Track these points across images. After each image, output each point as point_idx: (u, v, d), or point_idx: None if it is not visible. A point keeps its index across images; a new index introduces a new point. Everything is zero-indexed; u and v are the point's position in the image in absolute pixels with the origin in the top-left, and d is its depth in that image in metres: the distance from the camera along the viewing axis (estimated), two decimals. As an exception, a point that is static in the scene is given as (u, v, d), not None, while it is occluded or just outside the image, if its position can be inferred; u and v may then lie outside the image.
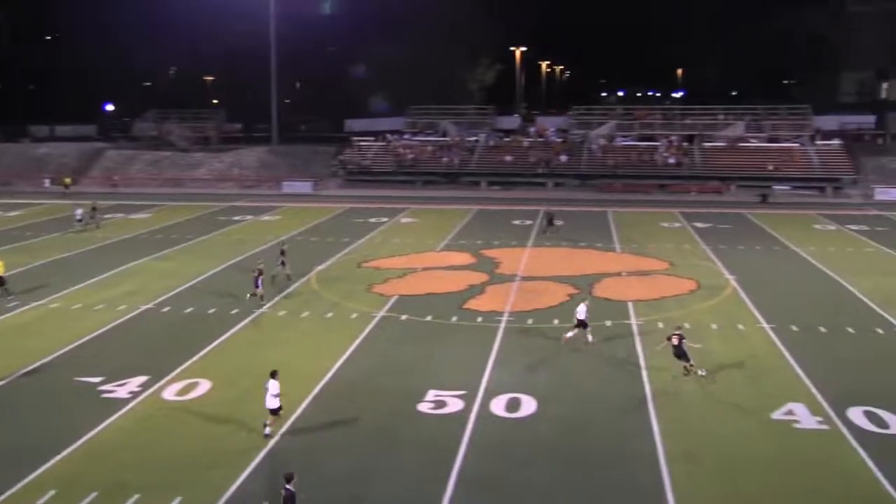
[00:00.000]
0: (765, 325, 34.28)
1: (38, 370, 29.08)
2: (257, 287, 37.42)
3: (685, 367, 28.10)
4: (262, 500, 19.60)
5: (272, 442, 22.77)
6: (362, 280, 42.86)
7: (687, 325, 30.97)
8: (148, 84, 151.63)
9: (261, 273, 37.85)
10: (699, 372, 27.89)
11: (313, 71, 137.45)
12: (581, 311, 31.43)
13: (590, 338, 31.44)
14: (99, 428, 23.79)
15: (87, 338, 32.81)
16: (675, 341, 28.10)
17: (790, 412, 24.91)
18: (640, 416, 24.43)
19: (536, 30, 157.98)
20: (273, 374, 23.47)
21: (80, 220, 58.93)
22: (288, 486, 17.96)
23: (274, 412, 23.34)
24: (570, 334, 31.64)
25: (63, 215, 65.37)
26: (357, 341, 32.17)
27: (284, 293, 39.69)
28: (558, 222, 58.55)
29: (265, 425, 23.28)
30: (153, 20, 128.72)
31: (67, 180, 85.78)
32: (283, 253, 42.82)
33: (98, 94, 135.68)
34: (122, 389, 26.85)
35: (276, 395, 23.21)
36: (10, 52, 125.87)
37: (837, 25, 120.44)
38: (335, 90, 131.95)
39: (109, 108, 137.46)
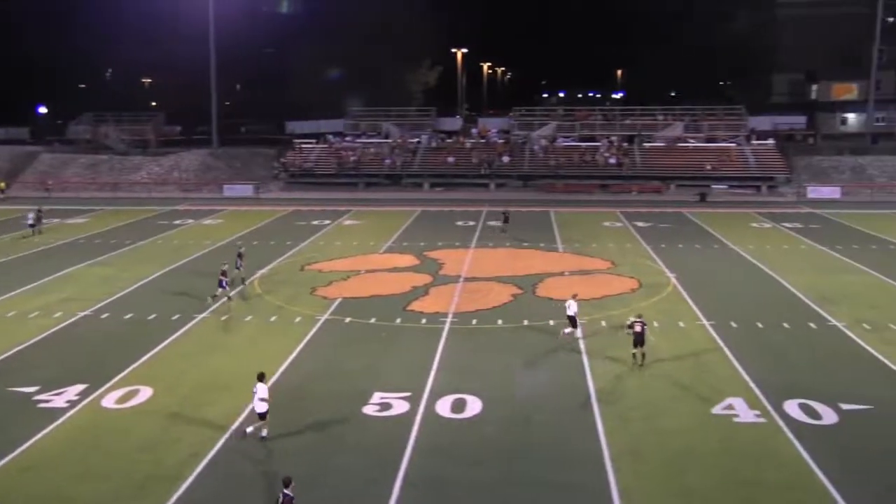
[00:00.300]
0: (705, 322, 34.79)
1: (-30, 381, 28.37)
2: (222, 287, 37.35)
3: (641, 355, 29.11)
4: (206, 508, 19.37)
5: (215, 448, 22.48)
6: (305, 283, 42.61)
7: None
8: (83, 86, 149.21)
9: (224, 273, 37.78)
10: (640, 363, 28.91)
11: (253, 72, 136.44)
12: (572, 307, 32.01)
13: (578, 333, 32.12)
14: (35, 439, 23.25)
15: (21, 346, 32.08)
16: (637, 328, 29.05)
17: (730, 406, 25.36)
18: (585, 414, 24.59)
19: (477, 31, 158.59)
20: (260, 377, 23.38)
21: (32, 225, 57.72)
22: (286, 491, 17.66)
23: (261, 416, 23.13)
24: (567, 331, 32.02)
25: (-2, 221, 64.26)
26: (301, 345, 31.96)
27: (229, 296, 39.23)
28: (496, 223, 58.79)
29: (245, 431, 23.25)
30: (89, 20, 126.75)
31: (2, 185, 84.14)
32: (240, 256, 42.42)
33: (31, 96, 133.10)
34: (59, 399, 26.31)
35: (263, 399, 23.03)
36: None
37: (770, 28, 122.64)
38: (276, 92, 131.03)
39: (43, 110, 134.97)
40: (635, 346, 29.24)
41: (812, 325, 34.52)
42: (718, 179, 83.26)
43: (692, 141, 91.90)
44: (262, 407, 23.05)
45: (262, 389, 23.10)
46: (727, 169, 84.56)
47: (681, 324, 34.34)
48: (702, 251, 51.22)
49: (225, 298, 37.51)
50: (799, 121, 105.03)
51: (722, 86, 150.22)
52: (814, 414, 24.74)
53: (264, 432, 23.13)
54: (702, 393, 26.50)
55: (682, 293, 39.76)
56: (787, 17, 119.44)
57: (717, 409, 25.10)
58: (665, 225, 61.77)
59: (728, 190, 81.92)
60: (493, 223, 59.54)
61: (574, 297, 32.79)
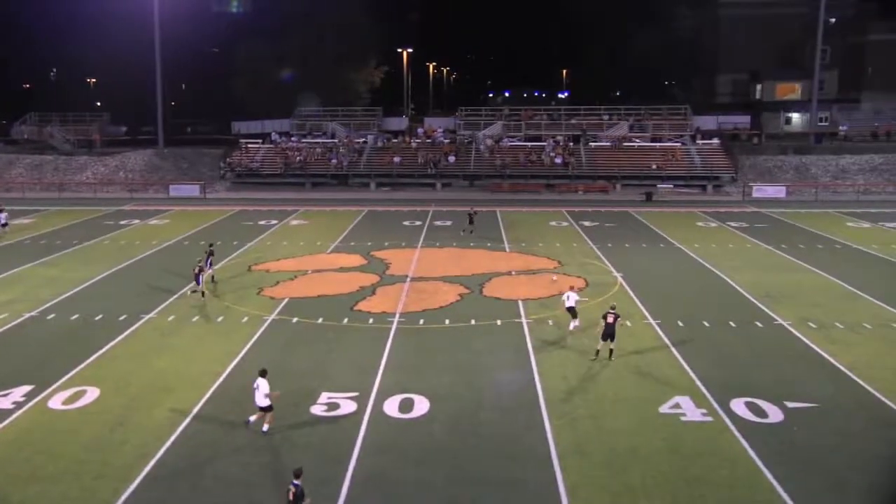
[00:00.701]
0: (651, 321, 35.24)
1: (-85, 383, 28.13)
2: (198, 283, 38.16)
3: (609, 350, 29.98)
4: (155, 509, 19.43)
5: (163, 449, 22.52)
6: (252, 283, 42.56)
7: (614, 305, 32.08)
8: (27, 86, 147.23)
9: (201, 270, 38.46)
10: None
11: (199, 72, 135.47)
12: (571, 299, 33.23)
13: (574, 324, 33.24)
14: (-18, 440, 23.19)
15: (-34, 348, 31.87)
16: (609, 319, 29.71)
17: (677, 405, 25.73)
18: (532, 413, 24.90)
19: (423, 31, 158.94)
20: (262, 373, 23.79)
21: (4, 225, 56.95)
22: (296, 482, 18.11)
23: (265, 409, 23.56)
24: (573, 325, 33.12)
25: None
26: (248, 345, 31.98)
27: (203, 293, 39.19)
28: (446, 223, 59.10)
29: (248, 421, 23.88)
30: (33, 20, 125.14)
31: None
32: (210, 254, 42.31)
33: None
34: (4, 400, 26.16)
35: (266, 395, 23.44)
36: None
37: (713, 28, 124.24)
38: (221, 91, 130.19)
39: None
40: (604, 339, 29.79)
41: (758, 323, 35.07)
42: (664, 179, 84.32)
43: (637, 140, 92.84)
44: (264, 402, 23.47)
45: (264, 384, 23.47)
46: (673, 168, 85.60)
47: (628, 323, 34.59)
48: (648, 250, 51.81)
49: (199, 295, 38.27)
50: (743, 120, 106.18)
51: (666, 86, 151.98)
52: (760, 412, 25.18)
53: (265, 427, 23.59)
54: (649, 392, 26.88)
55: (629, 292, 40.22)
56: (731, 17, 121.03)
57: (664, 408, 25.47)
58: (611, 224, 62.35)
59: (674, 189, 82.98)
60: (440, 223, 59.69)
61: (571, 288, 34.55)
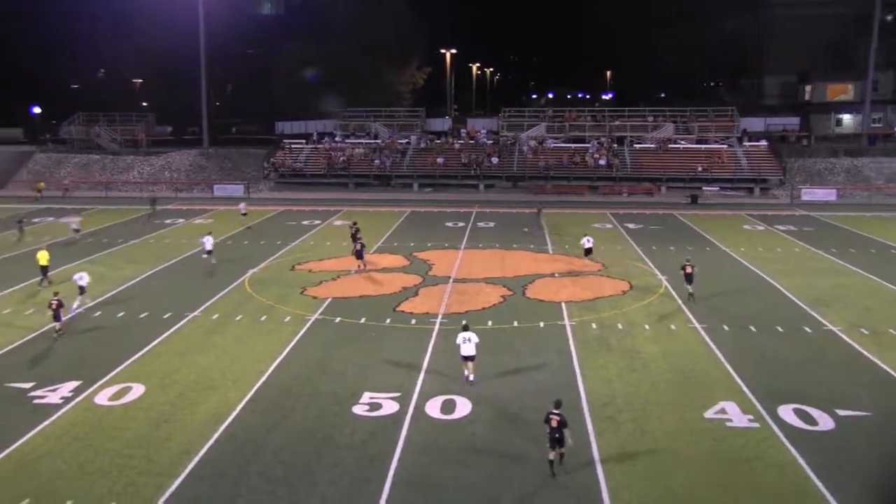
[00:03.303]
0: (696, 325, 34.78)
1: (-35, 377, 28.61)
2: (360, 258, 45.00)
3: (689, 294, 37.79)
4: (198, 505, 19.54)
5: (206, 446, 22.64)
6: (296, 283, 42.74)
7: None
8: (76, 86, 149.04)
9: (363, 246, 45.61)
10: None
11: (243, 73, 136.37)
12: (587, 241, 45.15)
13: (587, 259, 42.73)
14: (30, 434, 23.52)
15: (17, 343, 32.37)
16: (688, 270, 37.63)
17: (722, 411, 25.32)
18: (575, 415, 24.60)
19: (466, 32, 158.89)
20: (465, 328, 28.22)
21: (77, 230, 56.98)
22: (558, 411, 20.63)
23: (470, 359, 27.48)
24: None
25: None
26: (291, 344, 32.10)
27: (221, 295, 39.45)
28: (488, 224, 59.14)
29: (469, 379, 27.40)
30: (82, 21, 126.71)
31: (41, 185, 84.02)
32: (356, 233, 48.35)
33: (24, 97, 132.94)
34: (53, 395, 26.53)
35: (477, 344, 27.60)
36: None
37: (762, 29, 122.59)
38: (265, 92, 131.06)
39: (37, 110, 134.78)
40: (688, 283, 38.07)
41: (807, 328, 34.41)
42: (710, 181, 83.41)
43: (683, 142, 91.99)
44: (472, 351, 27.45)
45: (474, 337, 27.59)
46: (718, 171, 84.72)
47: (672, 326, 34.42)
48: (694, 253, 50.88)
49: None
50: (792, 122, 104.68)
51: (712, 87, 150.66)
52: (809, 420, 24.66)
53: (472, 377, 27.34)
54: (693, 396, 26.54)
55: (674, 296, 39.73)
56: (779, 17, 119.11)
57: (709, 413, 25.09)
58: (656, 227, 61.89)
59: (719, 192, 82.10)
60: (483, 224, 59.54)
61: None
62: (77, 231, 56.99)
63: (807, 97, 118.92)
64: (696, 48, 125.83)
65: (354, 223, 53.00)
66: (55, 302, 33.39)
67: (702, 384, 27.73)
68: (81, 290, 37.56)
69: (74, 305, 36.91)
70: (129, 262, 48.25)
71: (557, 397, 22.45)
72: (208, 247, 47.24)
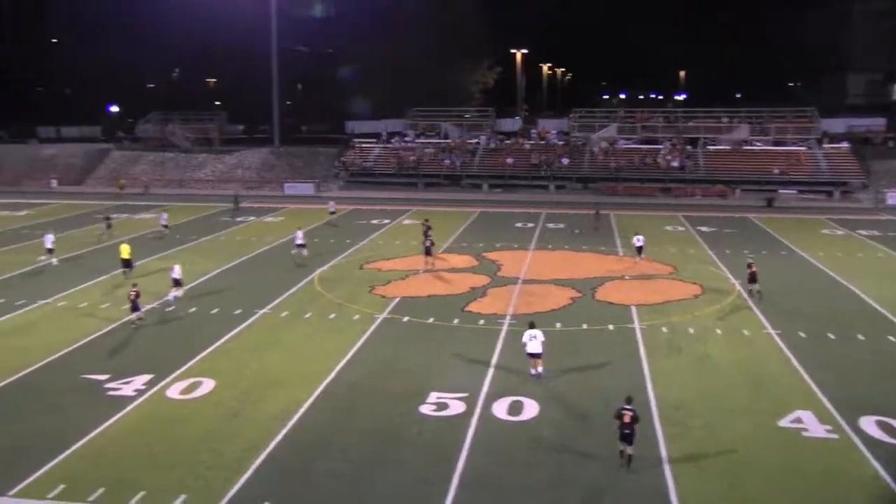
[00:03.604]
0: (771, 330, 33.99)
1: (46, 367, 29.35)
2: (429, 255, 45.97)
3: (757, 292, 38.41)
4: (264, 501, 19.59)
5: (274, 442, 22.77)
6: (364, 281, 42.89)
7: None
8: (152, 85, 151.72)
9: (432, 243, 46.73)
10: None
11: (314, 72, 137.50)
12: (637, 240, 47.17)
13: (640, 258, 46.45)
14: (105, 425, 23.95)
15: (93, 336, 33.02)
16: (753, 268, 38.59)
17: (798, 420, 24.56)
18: (644, 418, 24.18)
19: (537, 32, 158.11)
20: (532, 325, 28.91)
21: (166, 226, 58.35)
22: (630, 406, 21.13)
23: (537, 356, 28.07)
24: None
25: (69, 216, 65.96)
26: (359, 343, 32.18)
27: (289, 293, 39.78)
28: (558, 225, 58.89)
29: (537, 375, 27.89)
30: (157, 22, 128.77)
31: (122, 182, 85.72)
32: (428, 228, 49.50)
33: (103, 96, 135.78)
34: (127, 387, 26.99)
35: (543, 342, 28.09)
36: (17, 53, 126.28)
37: (844, 26, 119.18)
38: (336, 91, 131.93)
39: (114, 109, 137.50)
40: (750, 283, 38.92)
41: (891, 337, 33.19)
42: (787, 184, 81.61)
43: (759, 144, 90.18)
44: (538, 348, 28.07)
45: (540, 334, 28.28)
46: (796, 173, 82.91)
47: (745, 332, 33.71)
48: (769, 258, 50.07)
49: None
50: (878, 123, 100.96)
51: (791, 87, 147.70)
52: (893, 432, 23.71)
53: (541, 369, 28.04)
54: (767, 404, 25.85)
55: (748, 301, 38.84)
56: (863, 13, 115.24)
57: (783, 422, 24.36)
58: (730, 230, 60.79)
59: (797, 195, 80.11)
60: (553, 226, 59.23)
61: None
62: (166, 226, 58.20)
63: (894, 97, 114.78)
64: (773, 46, 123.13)
65: (426, 220, 53.36)
66: (133, 293, 34.55)
67: (776, 391, 27.05)
68: (176, 282, 38.76)
69: (170, 297, 38.19)
70: (201, 258, 48.90)
71: (628, 394, 22.35)
72: (299, 241, 48.92)
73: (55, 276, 44.35)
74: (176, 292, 38.66)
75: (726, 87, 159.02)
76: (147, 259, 48.13)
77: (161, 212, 61.69)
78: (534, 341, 27.89)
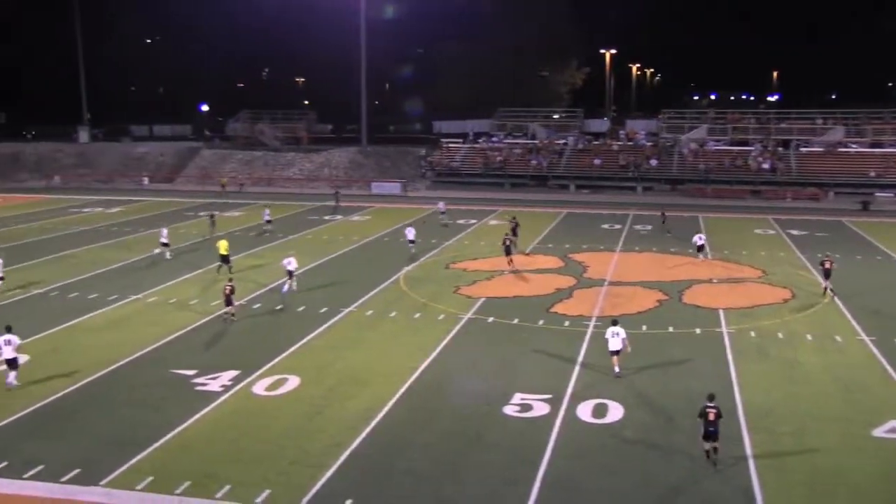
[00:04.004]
0: (864, 337, 33.04)
1: (136, 361, 29.96)
2: (508, 254, 46.04)
3: (830, 289, 38.51)
4: (346, 499, 19.69)
5: (357, 441, 22.88)
6: (450, 281, 42.95)
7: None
8: (241, 85, 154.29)
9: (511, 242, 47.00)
10: None
11: (403, 72, 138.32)
12: (699, 238, 47.89)
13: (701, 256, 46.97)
14: (192, 419, 24.36)
15: (181, 331, 33.63)
16: (826, 265, 38.92)
17: (893, 430, 23.71)
18: (731, 423, 23.74)
19: (626, 32, 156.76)
20: (615, 322, 28.96)
21: (269, 222, 60.02)
22: (713, 404, 21.31)
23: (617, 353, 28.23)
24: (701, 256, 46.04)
25: (163, 212, 67.45)
26: (443, 343, 32.21)
27: (372, 293, 40.03)
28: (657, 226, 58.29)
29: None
30: (247, 23, 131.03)
31: (224, 181, 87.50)
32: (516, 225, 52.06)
33: (194, 95, 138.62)
34: (214, 383, 27.40)
35: (625, 339, 28.22)
36: (111, 53, 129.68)
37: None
38: (423, 92, 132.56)
39: (204, 108, 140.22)
40: (826, 278, 39.05)
41: None
42: (884, 187, 79.37)
43: (854, 146, 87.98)
44: (619, 345, 28.17)
45: (622, 331, 28.38)
46: (894, 176, 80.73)
47: (837, 338, 32.86)
48: (863, 263, 48.81)
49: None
50: None
51: (890, 87, 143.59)
52: None
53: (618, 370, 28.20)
54: (860, 412, 25.07)
55: (840, 306, 37.88)
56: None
57: (877, 432, 23.56)
58: (822, 234, 59.36)
59: (895, 198, 78.07)
60: (640, 227, 58.61)
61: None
62: (269, 222, 59.24)
63: None
64: (871, 46, 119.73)
65: (514, 217, 54.03)
66: (229, 288, 35.20)
67: (869, 400, 26.24)
68: (290, 274, 39.88)
69: (284, 289, 39.56)
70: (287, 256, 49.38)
71: (710, 392, 22.30)
72: (410, 237, 50.95)
73: (147, 271, 45.36)
74: (290, 283, 39.91)
75: (821, 87, 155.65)
76: (236, 256, 48.72)
77: (264, 208, 62.88)
78: (615, 338, 28.01)
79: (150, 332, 33.29)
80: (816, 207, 75.48)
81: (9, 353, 26.87)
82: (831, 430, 23.85)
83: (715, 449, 21.31)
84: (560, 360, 29.98)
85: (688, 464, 21.55)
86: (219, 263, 44.32)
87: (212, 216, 59.58)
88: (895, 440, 23.16)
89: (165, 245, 49.19)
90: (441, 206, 66.33)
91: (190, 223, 62.58)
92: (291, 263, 40.36)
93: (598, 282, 43.13)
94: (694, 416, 22.14)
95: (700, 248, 48.83)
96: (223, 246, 44.81)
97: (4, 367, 27.15)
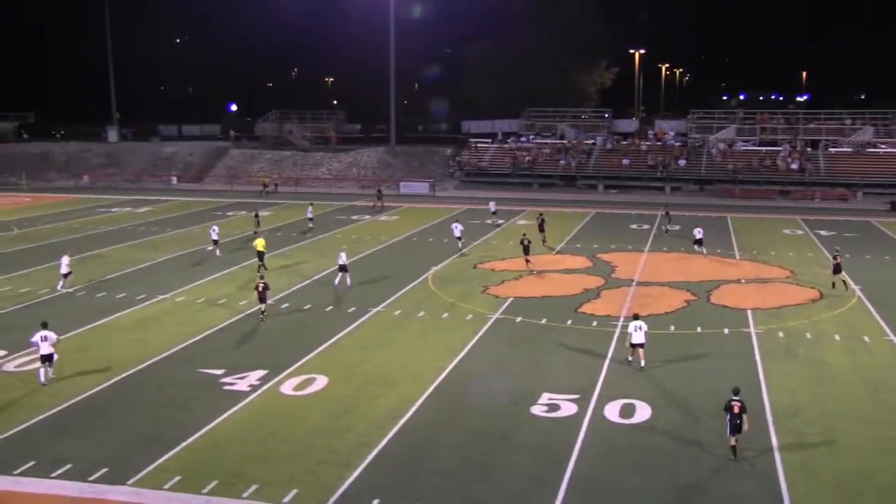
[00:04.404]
0: (893, 337, 32.85)
1: (164, 361, 30.17)
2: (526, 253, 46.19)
3: (842, 282, 40.07)
4: (374, 498, 19.81)
5: (385, 440, 23.00)
6: (478, 281, 43.01)
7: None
8: (270, 85, 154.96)
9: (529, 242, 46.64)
10: None
11: (432, 72, 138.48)
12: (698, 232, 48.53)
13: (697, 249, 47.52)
14: (220, 419, 24.52)
15: (209, 331, 33.84)
16: (838, 260, 39.59)
17: (922, 430, 23.60)
18: (758, 425, 23.66)
19: (655, 32, 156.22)
20: (635, 317, 29.87)
21: (311, 219, 60.66)
22: (738, 397, 21.78)
23: (639, 346, 29.02)
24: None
25: (190, 212, 67.91)
26: (472, 342, 32.29)
27: (400, 293, 40.19)
28: (674, 227, 58.08)
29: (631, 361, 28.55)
30: (276, 23, 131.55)
31: (266, 181, 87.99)
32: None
33: (223, 95, 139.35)
34: (242, 382, 27.58)
35: (646, 332, 29.05)
36: (140, 53, 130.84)
37: None
38: (452, 91, 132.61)
39: (234, 108, 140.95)
40: (835, 273, 40.11)
41: None
42: (914, 187, 78.65)
43: (884, 146, 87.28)
44: (640, 339, 28.87)
45: (643, 325, 29.14)
46: (922, 177, 79.81)
47: (865, 339, 32.69)
48: (892, 263, 48.48)
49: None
50: None
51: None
52: None
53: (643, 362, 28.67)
54: (889, 414, 24.97)
55: (868, 306, 37.72)
56: None
57: (907, 433, 23.50)
58: (851, 234, 58.92)
59: None
60: (669, 227, 58.38)
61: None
62: (311, 219, 60.08)
63: None
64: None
65: (541, 214, 55.58)
66: (261, 284, 35.55)
67: (897, 401, 26.14)
68: (343, 268, 41.68)
69: (335, 283, 40.96)
70: (316, 255, 49.72)
71: (735, 386, 22.66)
72: (457, 233, 52.13)
73: (176, 271, 45.65)
74: (343, 278, 41.57)
75: (851, 88, 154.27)
76: (270, 254, 49.13)
77: (308, 206, 63.32)
78: (638, 332, 28.65)
79: (178, 332, 33.58)
80: (845, 208, 74.99)
81: (46, 348, 27.35)
82: (859, 430, 23.74)
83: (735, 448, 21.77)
84: (588, 360, 29.99)
85: (715, 464, 21.53)
86: (259, 262, 45.09)
87: (256, 215, 59.97)
88: (924, 441, 22.98)
89: (216, 242, 50.04)
90: (492, 206, 66.16)
91: (217, 223, 62.81)
92: (342, 258, 41.84)
93: (627, 282, 43.07)
94: (722, 415, 22.10)
95: (698, 242, 49.41)
96: (260, 244, 45.60)
97: (39, 364, 27.58)
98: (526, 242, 46.33)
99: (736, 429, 21.56)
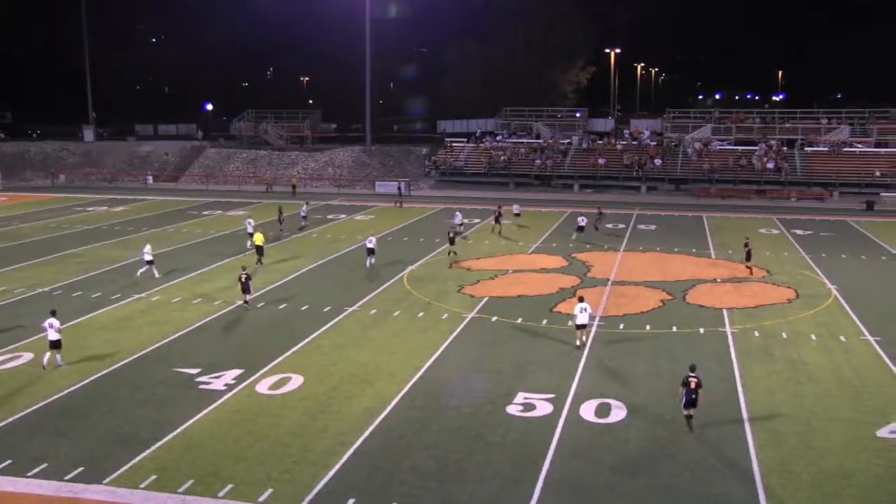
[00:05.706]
0: (869, 337, 32.96)
1: (140, 360, 29.95)
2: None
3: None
4: (350, 497, 19.69)
5: (361, 439, 22.88)
6: (453, 281, 42.92)
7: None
8: (246, 84, 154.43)
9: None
10: None
11: (407, 72, 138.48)
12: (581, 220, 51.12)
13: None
14: (196, 418, 24.35)
15: (185, 330, 33.63)
16: (749, 247, 42.24)
17: (897, 430, 23.68)
18: (735, 425, 23.79)
19: (631, 31, 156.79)
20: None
21: (304, 217, 61.44)
22: (694, 374, 23.19)
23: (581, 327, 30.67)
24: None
25: (166, 210, 67.40)
26: (447, 342, 32.19)
27: (376, 292, 40.04)
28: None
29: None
30: (252, 23, 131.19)
31: (294, 181, 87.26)
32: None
33: (199, 94, 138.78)
34: (218, 381, 27.40)
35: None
36: (116, 53, 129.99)
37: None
38: (428, 91, 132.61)
39: (209, 107, 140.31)
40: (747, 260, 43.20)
41: None
42: (889, 187, 79.18)
43: (859, 146, 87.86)
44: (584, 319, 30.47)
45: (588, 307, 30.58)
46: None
47: (842, 338, 32.79)
48: (868, 262, 48.81)
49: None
50: None
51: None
52: None
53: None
54: (865, 413, 24.99)
55: (845, 306, 37.87)
56: None
57: (882, 432, 23.46)
58: (827, 234, 59.31)
59: None
60: (644, 227, 58.40)
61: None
62: (305, 217, 61.19)
63: None
64: (876, 45, 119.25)
65: (499, 206, 59.39)
66: (244, 276, 36.37)
67: (874, 400, 26.13)
68: (371, 251, 45.66)
69: (367, 264, 45.42)
70: (291, 255, 49.49)
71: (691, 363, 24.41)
72: (458, 221, 56.44)
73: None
74: (370, 260, 45.42)
75: (827, 88, 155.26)
76: (238, 256, 48.92)
77: (303, 204, 64.36)
78: (583, 314, 30.64)
79: (154, 331, 33.34)
80: (821, 207, 75.45)
81: (53, 335, 28.48)
82: (836, 430, 23.77)
83: (689, 417, 23.54)
84: (563, 360, 29.93)
85: (692, 464, 21.51)
86: (257, 255, 46.49)
87: (280, 212, 60.46)
88: (899, 440, 23.07)
89: (251, 235, 50.42)
90: (516, 208, 64.78)
91: (192, 222, 62.49)
92: (372, 241, 46.12)
93: (602, 281, 43.09)
94: (697, 416, 22.08)
95: (580, 230, 54.08)
96: (259, 238, 46.86)
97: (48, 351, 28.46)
98: (451, 234, 49.85)
99: (691, 403, 23.33)
